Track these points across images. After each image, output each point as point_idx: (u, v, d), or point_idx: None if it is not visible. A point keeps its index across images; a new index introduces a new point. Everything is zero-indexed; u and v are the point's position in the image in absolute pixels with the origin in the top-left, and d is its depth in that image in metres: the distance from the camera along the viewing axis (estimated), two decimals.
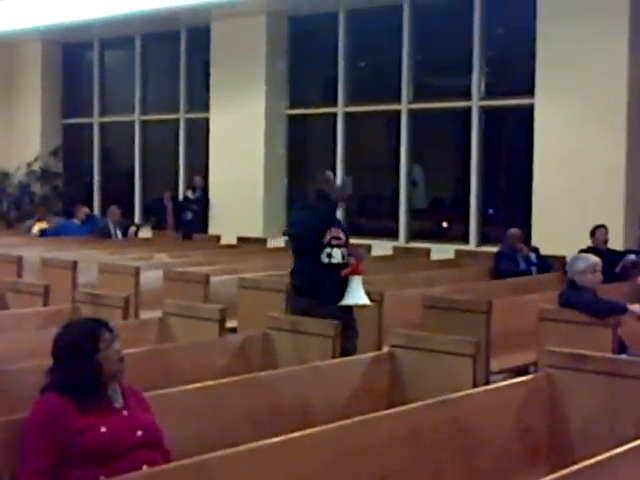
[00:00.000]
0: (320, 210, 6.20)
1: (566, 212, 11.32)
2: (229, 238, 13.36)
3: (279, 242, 13.19)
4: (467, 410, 3.95)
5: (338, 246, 6.09)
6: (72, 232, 13.79)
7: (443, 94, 13.46)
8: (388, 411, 3.83)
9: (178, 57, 15.96)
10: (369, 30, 14.06)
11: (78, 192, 17.52)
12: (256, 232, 14.05)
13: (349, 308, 5.99)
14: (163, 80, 17.03)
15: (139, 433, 3.37)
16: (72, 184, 17.81)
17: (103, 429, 3.30)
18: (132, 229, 14.38)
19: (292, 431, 3.50)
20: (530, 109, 11.83)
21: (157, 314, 6.77)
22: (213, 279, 7.98)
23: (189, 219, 15.07)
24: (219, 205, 14.95)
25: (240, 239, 13.12)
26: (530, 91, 11.85)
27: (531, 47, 11.74)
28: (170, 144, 16.30)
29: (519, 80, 12.66)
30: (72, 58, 17.85)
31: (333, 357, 5.15)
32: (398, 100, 13.47)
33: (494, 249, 11.14)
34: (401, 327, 5.43)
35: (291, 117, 14.77)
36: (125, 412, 3.42)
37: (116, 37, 16.99)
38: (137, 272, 8.32)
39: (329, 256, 6.04)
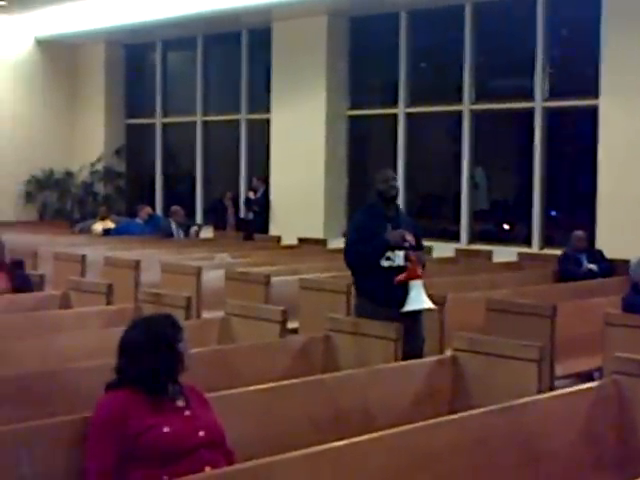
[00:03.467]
0: (378, 211, 6.14)
1: (631, 214, 11.13)
2: (290, 239, 13.39)
3: (340, 243, 13.17)
4: (532, 417, 3.88)
5: (401, 248, 5.97)
6: (135, 231, 13.93)
7: (505, 95, 13.32)
8: (451, 416, 3.78)
9: (239, 58, 16.02)
10: (431, 30, 14.00)
11: (140, 192, 17.71)
12: (316, 233, 14.05)
13: (412, 313, 5.90)
14: (225, 81, 17.13)
15: (202, 433, 3.36)
16: (134, 184, 18.02)
17: (166, 429, 3.30)
18: (194, 229, 14.51)
19: (353, 434, 3.47)
20: (594, 110, 11.65)
21: (219, 314, 6.82)
22: (274, 279, 7.98)
23: (250, 219, 15.14)
24: (280, 206, 14.98)
25: (301, 240, 13.13)
26: (594, 92, 11.69)
27: (595, 47, 11.58)
28: (231, 145, 16.37)
29: (583, 81, 12.49)
30: (135, 59, 18.05)
31: (395, 360, 5.11)
32: (460, 101, 13.37)
33: (557, 252, 11.04)
34: (464, 330, 5.37)
35: (352, 118, 14.73)
36: (187, 412, 3.42)
37: (178, 38, 17.13)
38: (199, 272, 8.35)
39: (389, 259, 5.95)
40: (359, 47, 14.64)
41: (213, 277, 8.52)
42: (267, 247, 12.60)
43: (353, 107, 14.72)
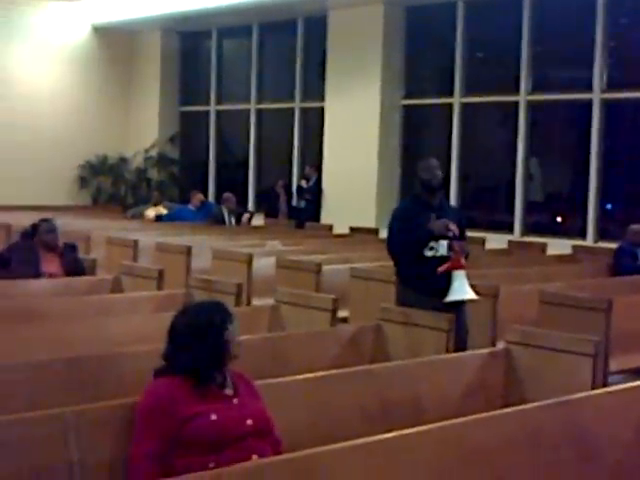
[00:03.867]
0: (423, 200, 6.06)
1: None
2: (341, 228, 13.33)
3: None
4: (587, 412, 3.79)
5: (445, 238, 5.87)
6: (187, 218, 13.97)
7: (563, 86, 13.13)
8: (504, 410, 3.70)
9: (295, 46, 15.98)
10: (487, 20, 13.83)
11: (193, 179, 17.78)
12: (368, 222, 13.97)
13: (455, 304, 5.83)
14: (279, 69, 17.10)
15: (249, 422, 3.33)
16: (188, 170, 18.10)
17: (213, 417, 3.26)
18: (245, 216, 14.50)
19: (403, 426, 3.40)
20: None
21: (269, 301, 6.80)
22: (325, 268, 7.94)
23: (302, 208, 15.11)
24: (332, 194, 14.94)
25: (352, 229, 13.06)
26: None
27: None
28: (285, 133, 16.36)
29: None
30: (190, 47, 18.12)
31: (446, 351, 5.04)
32: (516, 91, 13.19)
33: (612, 245, 10.86)
34: (516, 323, 5.29)
35: (406, 107, 14.63)
36: (235, 400, 3.38)
37: (233, 26, 17.14)
38: (250, 259, 8.33)
39: (432, 249, 5.86)
40: (415, 36, 14.52)
41: (264, 264, 8.48)
42: (318, 235, 12.54)
43: (407, 96, 14.61)
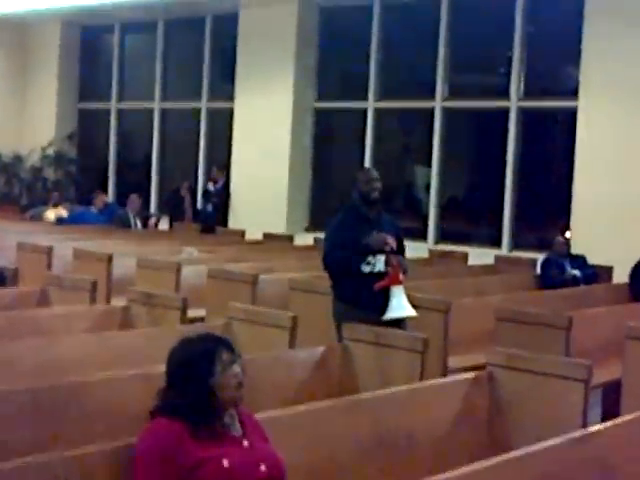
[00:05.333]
0: (360, 213, 5.81)
1: (609, 219, 10.95)
2: (252, 233, 12.96)
3: (305, 239, 12.82)
4: (602, 445, 3.57)
5: (382, 252, 5.64)
6: (90, 220, 13.41)
7: (478, 92, 13.07)
8: (513, 454, 3.36)
9: (202, 44, 15.51)
10: (404, 23, 13.66)
11: (92, 179, 17.09)
12: (279, 228, 13.66)
13: (395, 321, 5.60)
14: (185, 68, 16.60)
15: (262, 467, 2.97)
16: (86, 170, 17.37)
17: (225, 462, 2.90)
18: (152, 220, 14.04)
19: (398, 459, 3.10)
20: (573, 112, 11.45)
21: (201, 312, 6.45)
22: (261, 278, 7.56)
23: (209, 211, 14.65)
24: (241, 198, 14.54)
25: (266, 235, 12.71)
26: (573, 92, 11.51)
27: (574, 46, 11.38)
28: (190, 133, 15.88)
29: (561, 81, 12.32)
30: (91, 41, 17.38)
31: (421, 375, 4.77)
32: (432, 97, 13.07)
33: (528, 255, 10.88)
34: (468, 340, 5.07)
35: (319, 110, 14.36)
36: (245, 442, 3.02)
37: (138, 21, 16.55)
38: (179, 268, 7.92)
39: (369, 264, 5.63)
40: (329, 38, 14.25)
41: (192, 274, 8.06)
42: (232, 242, 12.14)
43: (320, 99, 14.34)
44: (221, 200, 14.64)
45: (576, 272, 9.45)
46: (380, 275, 5.57)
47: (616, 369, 5.96)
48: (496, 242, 12.49)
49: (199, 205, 15.06)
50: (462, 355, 6.45)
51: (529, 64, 12.27)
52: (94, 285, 6.37)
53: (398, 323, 5.60)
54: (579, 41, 11.32)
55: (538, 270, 9.96)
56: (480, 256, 11.20)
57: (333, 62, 14.52)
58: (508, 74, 12.36)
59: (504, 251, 12.22)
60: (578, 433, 3.53)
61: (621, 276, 9.40)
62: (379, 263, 5.58)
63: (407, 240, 6.20)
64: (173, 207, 15.20)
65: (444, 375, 5.99)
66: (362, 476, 3.75)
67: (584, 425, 4.21)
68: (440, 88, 13.01)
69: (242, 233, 12.97)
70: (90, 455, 2.96)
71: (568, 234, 9.91)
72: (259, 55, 14.28)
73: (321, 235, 12.51)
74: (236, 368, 3.08)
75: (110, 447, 3.01)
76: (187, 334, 3.22)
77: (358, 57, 14.03)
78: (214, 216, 14.44)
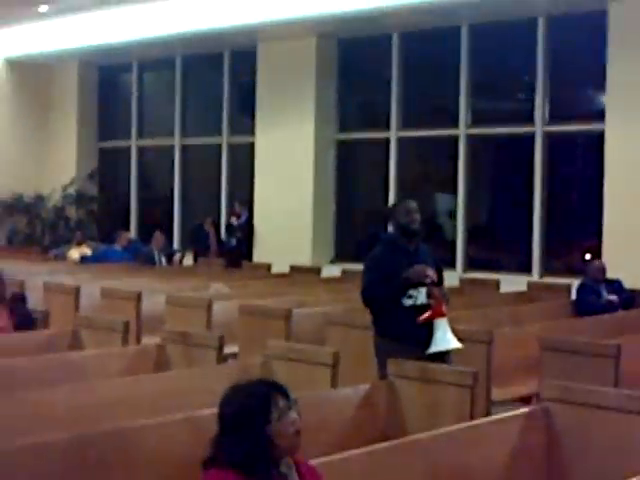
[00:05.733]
0: (399, 246, 5.64)
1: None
2: (277, 266, 12.84)
3: (332, 271, 12.68)
4: None
5: (423, 285, 5.46)
6: (114, 258, 13.29)
7: (504, 119, 12.94)
8: None
9: (221, 79, 15.48)
10: (424, 51, 13.58)
11: (114, 217, 17.05)
12: (304, 260, 13.53)
13: (439, 354, 5.41)
14: (205, 103, 16.55)
15: None
16: (108, 208, 17.33)
17: None
18: (177, 256, 13.93)
19: None
20: (600, 135, 11.31)
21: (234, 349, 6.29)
22: (295, 312, 7.40)
23: (233, 246, 14.55)
24: (264, 232, 14.43)
25: (293, 268, 12.57)
26: (599, 116, 11.38)
27: (600, 71, 11.27)
28: (211, 168, 15.81)
29: (586, 105, 12.18)
30: (109, 80, 17.43)
31: (471, 412, 4.59)
32: (456, 125, 12.96)
33: (558, 281, 10.71)
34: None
35: (340, 142, 14.26)
36: None
37: (155, 59, 16.56)
38: (209, 305, 7.78)
39: (411, 297, 5.45)
40: (348, 70, 14.18)
41: (222, 310, 7.93)
42: (259, 276, 12.00)
43: (342, 131, 14.25)
44: (244, 234, 14.54)
45: (613, 297, 9.23)
46: (422, 308, 5.40)
47: None
48: (526, 268, 12.32)
49: (222, 239, 14.97)
50: (505, 387, 6.27)
51: (552, 88, 12.14)
52: (126, 325, 6.23)
53: (442, 357, 5.42)
54: (602, 64, 11.21)
55: (573, 296, 9.78)
56: (511, 283, 10.99)
57: (353, 93, 14.44)
58: (532, 99, 12.23)
59: (535, 277, 12.05)
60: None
61: None
62: (421, 295, 5.41)
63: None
64: (197, 242, 15.11)
65: (489, 409, 5.80)
66: None
67: None
68: (463, 115, 12.90)
69: (268, 267, 12.84)
70: None
71: (599, 261, 9.70)
72: (279, 88, 14.23)
73: (348, 266, 12.55)
74: (293, 414, 2.92)
75: None
76: (238, 380, 3.05)
77: (378, 87, 13.95)
78: (238, 250, 14.35)
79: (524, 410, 4.28)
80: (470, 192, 12.93)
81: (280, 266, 12.84)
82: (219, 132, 15.58)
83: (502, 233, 13.49)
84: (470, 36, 12.76)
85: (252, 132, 14.72)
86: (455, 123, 12.98)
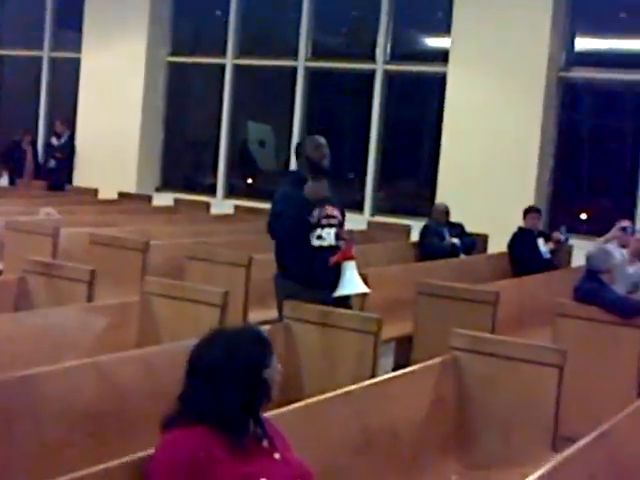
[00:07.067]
0: (309, 185, 5.32)
1: (473, 186, 10.98)
2: (102, 193, 12.29)
3: (164, 199, 12.27)
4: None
5: (330, 226, 5.26)
6: None
7: (344, 54, 12.79)
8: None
9: None
10: None
11: None
12: (128, 187, 12.99)
13: (344, 298, 5.26)
14: (26, 14, 15.45)
15: None
16: None
17: None
18: None
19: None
20: (442, 77, 11.38)
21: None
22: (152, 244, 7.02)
23: (53, 167, 13.78)
24: (86, 155, 13.74)
25: (121, 195, 12.04)
26: (442, 58, 11.45)
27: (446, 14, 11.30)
28: (30, 83, 14.86)
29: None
30: None
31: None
32: (295, 57, 12.69)
33: (387, 220, 10.81)
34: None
35: (172, 64, 13.70)
36: (277, 455, 2.62)
37: None
38: (57, 234, 7.26)
39: (319, 237, 5.23)
40: None
41: (71, 238, 7.42)
42: (85, 201, 11.37)
43: (174, 54, 13.69)
44: (65, 156, 13.80)
45: (455, 240, 9.35)
46: (330, 249, 5.17)
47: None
48: (358, 207, 12.30)
49: (40, 160, 14.17)
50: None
51: (396, 28, 12.08)
52: None
53: (346, 300, 5.25)
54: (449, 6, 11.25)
55: (413, 237, 9.89)
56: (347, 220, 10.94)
57: (189, 14, 13.90)
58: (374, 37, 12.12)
59: (366, 216, 12.05)
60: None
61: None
62: (329, 237, 5.19)
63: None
64: (12, 162, 14.17)
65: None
66: (352, 473, 3.43)
67: (557, 411, 4.06)
68: (303, 47, 12.65)
69: (95, 192, 12.24)
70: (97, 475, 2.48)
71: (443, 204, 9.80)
72: (110, 3, 13.46)
73: (179, 196, 12.20)
74: (276, 362, 2.70)
75: (118, 463, 2.53)
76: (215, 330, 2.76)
77: (216, 11, 13.48)
78: (58, 173, 13.62)
79: (437, 360, 4.18)
80: (306, 127, 12.73)
81: (104, 192, 12.29)
82: (40, 45, 14.63)
83: (337, 170, 13.42)
84: None
85: (78, 48, 13.91)
86: (295, 54, 12.71)
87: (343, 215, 5.50)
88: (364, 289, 5.31)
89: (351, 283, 5.19)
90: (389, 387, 3.90)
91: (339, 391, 3.45)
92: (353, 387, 3.61)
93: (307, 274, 5.18)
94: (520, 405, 4.11)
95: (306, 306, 4.72)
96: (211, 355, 2.62)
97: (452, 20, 11.20)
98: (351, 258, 5.22)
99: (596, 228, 10.48)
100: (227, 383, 2.56)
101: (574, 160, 11.39)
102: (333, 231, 5.25)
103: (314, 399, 3.37)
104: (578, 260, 9.16)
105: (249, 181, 13.62)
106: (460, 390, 4.19)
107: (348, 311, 4.93)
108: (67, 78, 14.29)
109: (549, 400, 4.06)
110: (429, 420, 4.00)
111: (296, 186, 5.32)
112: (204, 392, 2.57)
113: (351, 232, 5.43)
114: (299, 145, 5.57)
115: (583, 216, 11.28)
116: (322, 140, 5.42)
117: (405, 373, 4.09)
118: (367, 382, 3.79)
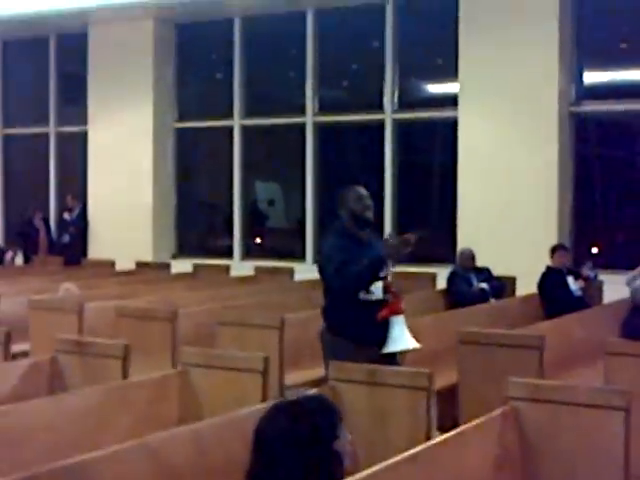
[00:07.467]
0: (389, 242, 5.09)
1: (496, 230, 10.83)
2: (120, 263, 12.17)
3: (184, 266, 12.12)
4: None
5: (379, 279, 5.05)
6: None
7: (353, 107, 12.71)
8: None
9: (47, 65, 14.52)
10: (268, 38, 13.15)
11: None
12: (145, 255, 12.89)
13: (392, 354, 5.07)
14: (30, 91, 15.46)
15: None
16: None
17: None
18: (9, 255, 12.97)
19: None
20: (453, 122, 11.28)
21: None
22: (181, 313, 6.88)
23: (67, 242, 13.69)
24: (100, 227, 13.66)
25: (139, 264, 11.92)
26: (452, 103, 11.37)
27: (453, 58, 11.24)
28: (38, 161, 14.82)
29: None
30: None
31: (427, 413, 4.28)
32: (302, 114, 12.64)
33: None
34: None
35: (179, 130, 13.67)
36: None
37: None
38: (81, 310, 7.13)
39: (367, 291, 5.01)
40: (187, 55, 13.60)
41: (98, 313, 7.29)
42: (104, 274, 11.24)
43: (181, 119, 13.67)
44: (78, 229, 13.73)
45: (484, 285, 9.18)
46: (378, 304, 4.98)
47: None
48: None
49: (54, 236, 14.10)
50: None
51: (402, 75, 12.03)
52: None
53: (394, 357, 5.07)
54: (454, 49, 11.19)
55: (439, 285, 9.72)
56: None
57: (194, 80, 13.91)
58: (381, 86, 12.07)
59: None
60: None
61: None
62: (377, 290, 4.99)
63: None
64: (25, 240, 14.11)
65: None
66: None
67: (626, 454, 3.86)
68: (310, 103, 12.60)
69: (112, 263, 12.13)
70: None
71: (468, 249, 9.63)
72: (113, 75, 13.46)
73: (197, 261, 12.06)
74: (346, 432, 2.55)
75: None
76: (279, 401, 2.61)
77: (220, 73, 13.50)
78: (72, 247, 13.53)
79: (498, 412, 4.00)
80: (319, 184, 12.64)
81: (120, 262, 12.19)
82: (46, 121, 14.64)
83: None
84: (315, 21, 12.47)
85: (84, 121, 13.90)
86: (302, 111, 12.67)
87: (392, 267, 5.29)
88: (415, 345, 5.09)
89: (401, 339, 5.00)
90: (455, 444, 3.71)
91: (405, 454, 3.25)
92: (419, 449, 3.42)
93: (356, 330, 5.01)
94: (587, 451, 3.91)
95: (352, 365, 4.54)
96: (274, 430, 2.46)
97: (458, 64, 11.15)
98: (400, 312, 5.05)
99: (609, 261, 10.36)
100: (297, 457, 2.40)
101: (588, 193, 11.25)
102: (381, 284, 5.06)
103: (379, 466, 3.17)
104: (610, 295, 9.02)
105: (257, 240, 13.50)
106: (523, 441, 4.01)
107: (396, 367, 4.75)
108: (75, 152, 14.25)
109: (616, 444, 3.87)
110: (496, 474, 3.81)
111: (341, 238, 5.14)
112: (271, 469, 2.41)
113: (401, 286, 5.21)
114: (340, 196, 5.37)
115: (594, 250, 11.12)
116: (364, 191, 5.25)
117: (468, 428, 3.89)
118: (432, 441, 3.60)
